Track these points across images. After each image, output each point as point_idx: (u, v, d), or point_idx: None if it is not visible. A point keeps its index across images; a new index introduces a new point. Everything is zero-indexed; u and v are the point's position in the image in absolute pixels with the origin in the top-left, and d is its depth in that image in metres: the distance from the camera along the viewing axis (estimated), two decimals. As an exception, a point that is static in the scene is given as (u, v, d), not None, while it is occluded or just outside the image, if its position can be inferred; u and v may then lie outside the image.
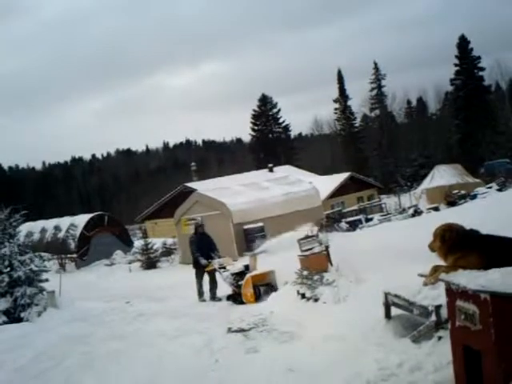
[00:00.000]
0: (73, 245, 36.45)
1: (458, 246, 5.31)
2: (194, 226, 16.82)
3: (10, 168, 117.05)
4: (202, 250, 15.88)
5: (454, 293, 5.03)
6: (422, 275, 5.96)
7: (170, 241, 33.42)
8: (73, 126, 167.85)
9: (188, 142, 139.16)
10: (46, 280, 16.06)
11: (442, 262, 5.49)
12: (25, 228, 32.39)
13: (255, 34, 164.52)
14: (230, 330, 10.21)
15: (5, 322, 14.40)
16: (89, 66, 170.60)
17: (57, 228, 38.37)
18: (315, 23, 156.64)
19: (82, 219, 39.17)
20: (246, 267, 14.93)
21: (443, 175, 44.95)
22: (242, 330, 10.05)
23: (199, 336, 10.24)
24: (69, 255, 35.23)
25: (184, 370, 8.38)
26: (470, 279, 4.73)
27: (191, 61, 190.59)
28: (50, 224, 39.86)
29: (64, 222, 39.50)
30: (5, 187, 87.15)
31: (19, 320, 14.56)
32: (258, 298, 13.85)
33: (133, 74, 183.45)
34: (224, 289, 15.25)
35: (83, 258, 36.00)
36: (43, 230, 38.83)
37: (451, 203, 35.45)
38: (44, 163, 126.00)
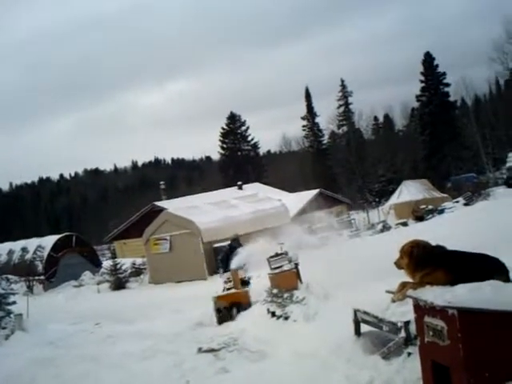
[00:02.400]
0: (40, 266, 35.94)
1: (424, 262, 5.34)
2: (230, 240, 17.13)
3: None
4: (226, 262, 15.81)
5: (421, 309, 5.06)
6: (389, 292, 5.98)
7: (139, 261, 33.13)
8: (40, 146, 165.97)
9: (157, 160, 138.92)
10: (14, 303, 15.83)
11: (409, 279, 5.52)
12: (-9, 250, 32.01)
13: (222, 53, 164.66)
14: (200, 350, 10.14)
15: (-29, 347, 14.16)
16: (56, 85, 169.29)
17: (24, 250, 37.81)
18: (282, 41, 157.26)
19: (49, 240, 38.70)
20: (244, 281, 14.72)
21: (411, 190, 45.39)
22: (212, 350, 9.99)
23: (169, 356, 10.16)
24: (36, 277, 34.74)
25: (154, 391, 8.31)
26: (438, 295, 4.76)
27: (159, 80, 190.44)
28: (17, 246, 39.28)
29: (31, 243, 38.97)
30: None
31: (-14, 344, 14.32)
32: (220, 321, 13.54)
33: (100, 94, 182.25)
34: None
35: (51, 280, 35.52)
36: (10, 252, 38.25)
37: (419, 218, 35.81)
38: (11, 184, 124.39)
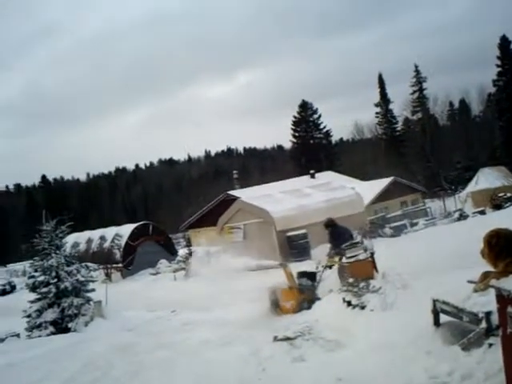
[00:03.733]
0: (118, 254, 36.83)
1: (507, 251, 5.21)
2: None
3: (55, 180, 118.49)
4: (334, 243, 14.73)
5: (505, 299, 4.93)
6: (471, 282, 5.86)
7: (213, 249, 33.43)
8: (116, 138, 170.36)
9: (229, 149, 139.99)
10: (93, 290, 16.29)
11: (491, 269, 5.40)
12: (71, 239, 32.90)
13: (293, 41, 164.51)
14: (275, 339, 10.14)
15: (52, 333, 14.64)
16: (131, 79, 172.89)
17: (102, 238, 38.81)
18: (354, 28, 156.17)
19: (126, 229, 39.58)
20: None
21: (488, 178, 44.22)
22: (287, 339, 9.97)
23: (245, 344, 10.21)
24: (114, 265, 35.60)
25: (231, 378, 8.36)
26: (522, 285, 4.64)
27: (230, 70, 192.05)
28: (95, 234, 40.36)
29: (109, 232, 39.96)
30: (50, 199, 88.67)
31: (66, 330, 14.77)
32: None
33: (174, 86, 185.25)
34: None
35: (129, 268, 36.33)
36: (89, 241, 39.33)
37: (497, 206, 34.96)
38: (88, 174, 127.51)
